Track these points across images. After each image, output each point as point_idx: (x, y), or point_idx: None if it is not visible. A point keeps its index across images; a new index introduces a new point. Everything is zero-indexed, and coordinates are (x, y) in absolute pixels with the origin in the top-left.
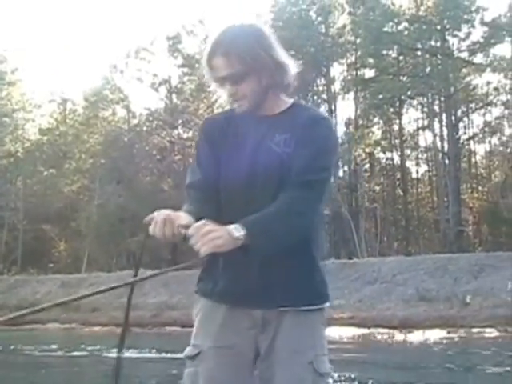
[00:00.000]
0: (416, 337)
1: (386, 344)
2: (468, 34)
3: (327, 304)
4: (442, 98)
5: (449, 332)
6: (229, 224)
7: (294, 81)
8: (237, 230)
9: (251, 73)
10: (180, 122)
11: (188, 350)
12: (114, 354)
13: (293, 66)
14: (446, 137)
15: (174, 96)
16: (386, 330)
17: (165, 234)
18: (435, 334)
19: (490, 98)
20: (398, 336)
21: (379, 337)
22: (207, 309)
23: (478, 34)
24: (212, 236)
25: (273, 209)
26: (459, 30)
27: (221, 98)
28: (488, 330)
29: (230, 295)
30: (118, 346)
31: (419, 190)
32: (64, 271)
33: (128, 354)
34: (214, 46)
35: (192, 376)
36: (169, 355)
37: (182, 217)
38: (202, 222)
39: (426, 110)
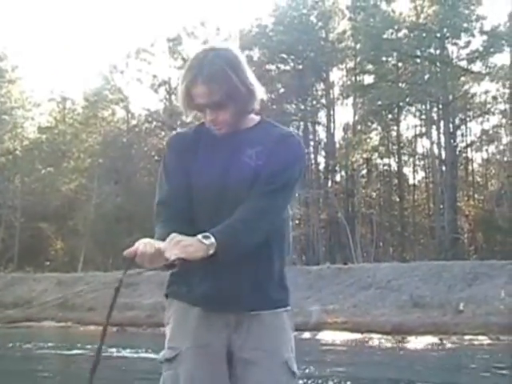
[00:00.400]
0: (409, 343)
1: (378, 349)
2: (467, 43)
3: (289, 307)
4: (440, 106)
5: (441, 339)
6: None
7: (259, 103)
8: (206, 238)
9: (229, 101)
10: (179, 123)
11: (165, 354)
12: (108, 352)
13: (260, 91)
14: (443, 144)
15: (173, 97)
16: (379, 336)
17: (154, 267)
18: (428, 341)
19: (488, 106)
20: (391, 342)
21: (372, 342)
22: (182, 311)
23: (477, 42)
24: (183, 244)
25: (239, 216)
26: (459, 38)
27: None
28: (480, 337)
29: (203, 300)
30: (98, 345)
31: (416, 196)
32: (60, 270)
33: (125, 353)
34: (193, 74)
35: (172, 378)
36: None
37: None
38: (173, 235)
39: (423, 117)
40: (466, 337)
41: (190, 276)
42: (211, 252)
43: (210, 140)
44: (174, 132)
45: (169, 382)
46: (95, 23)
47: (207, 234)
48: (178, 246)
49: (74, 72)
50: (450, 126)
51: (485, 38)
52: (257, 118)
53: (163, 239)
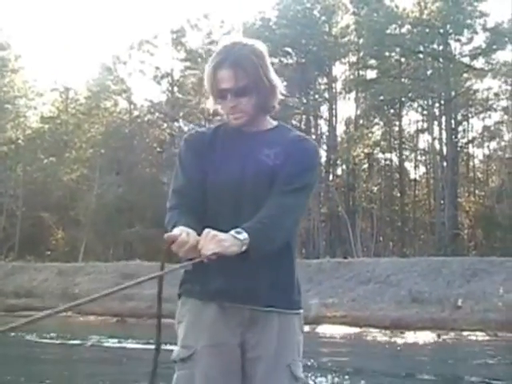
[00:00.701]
0: (407, 338)
1: (377, 343)
2: (470, 39)
3: (301, 310)
4: (442, 102)
5: (439, 334)
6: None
7: (278, 104)
8: (239, 234)
9: (253, 89)
10: (181, 114)
11: (179, 353)
12: (109, 343)
13: (280, 90)
14: (444, 140)
15: (175, 89)
16: (377, 330)
17: (187, 257)
18: (426, 336)
19: (490, 103)
20: (389, 336)
21: (370, 336)
22: (196, 310)
23: (480, 39)
24: (218, 238)
25: (266, 213)
26: (462, 34)
27: None
28: (478, 333)
29: (218, 294)
30: (155, 340)
31: (416, 191)
32: (61, 259)
33: (127, 344)
34: (221, 58)
35: (186, 378)
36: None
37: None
38: (207, 230)
39: (425, 112)
40: (464, 333)
41: (204, 272)
42: (244, 248)
43: (227, 139)
44: (192, 130)
45: (182, 381)
46: (99, 14)
47: (239, 229)
48: (213, 241)
49: (77, 62)
50: (452, 122)
51: (487, 34)
52: (274, 123)
53: (175, 225)
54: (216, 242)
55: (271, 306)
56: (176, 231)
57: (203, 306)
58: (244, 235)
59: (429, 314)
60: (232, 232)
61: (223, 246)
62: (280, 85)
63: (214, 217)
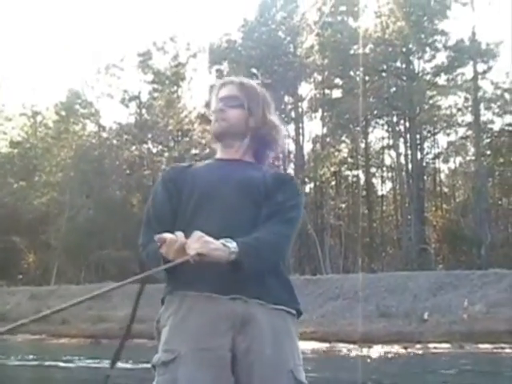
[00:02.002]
0: (375, 351)
1: (346, 357)
2: (432, 57)
3: (300, 315)
4: (407, 119)
5: (406, 347)
6: None
7: (277, 150)
8: (229, 242)
9: (246, 107)
10: (150, 136)
11: (161, 357)
12: (82, 363)
13: (281, 137)
14: (410, 156)
15: (143, 111)
16: (346, 345)
17: (175, 258)
18: (393, 349)
19: (454, 119)
20: (358, 350)
21: (339, 351)
22: (182, 311)
23: (442, 56)
24: (205, 239)
25: (260, 235)
26: (424, 52)
27: (191, 113)
28: (444, 345)
29: (206, 282)
30: (115, 353)
31: (384, 207)
32: (33, 283)
33: (102, 364)
34: (231, 80)
35: (168, 383)
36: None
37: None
38: (197, 231)
39: (390, 129)
40: (430, 345)
41: (190, 270)
42: (233, 257)
43: (205, 165)
44: (172, 165)
45: None
46: (65, 39)
47: (230, 239)
48: (199, 241)
49: (45, 87)
50: (417, 137)
51: (449, 52)
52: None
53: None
54: (202, 242)
55: (259, 298)
56: (165, 235)
57: (189, 307)
58: (233, 244)
59: (396, 327)
60: (222, 240)
61: (208, 247)
62: (281, 129)
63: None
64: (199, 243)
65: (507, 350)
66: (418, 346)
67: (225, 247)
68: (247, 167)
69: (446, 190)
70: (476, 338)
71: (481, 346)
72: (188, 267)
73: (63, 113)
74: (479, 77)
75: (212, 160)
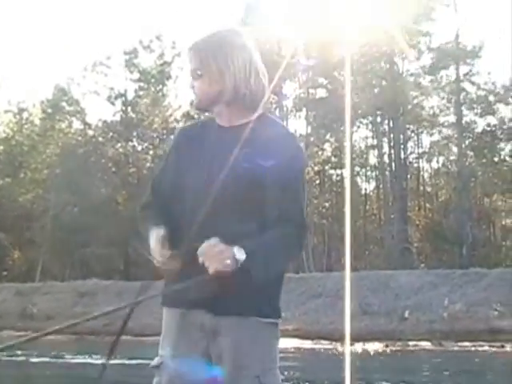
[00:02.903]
0: (357, 349)
1: (328, 355)
2: (416, 58)
3: (279, 319)
4: (391, 118)
5: (387, 345)
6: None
7: (258, 96)
8: (240, 253)
9: (204, 74)
10: (135, 134)
11: (154, 361)
12: (67, 359)
13: (258, 82)
14: (393, 155)
15: (129, 109)
16: (328, 342)
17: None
18: (375, 347)
19: (438, 119)
20: (340, 348)
21: (321, 348)
22: (168, 319)
23: (425, 58)
24: (223, 257)
25: (269, 239)
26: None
27: (177, 111)
28: (424, 343)
29: (179, 299)
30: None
31: (367, 206)
32: (18, 279)
33: (87, 360)
34: (189, 47)
35: None
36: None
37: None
38: (214, 240)
39: (374, 129)
40: (411, 343)
41: (172, 280)
42: (238, 266)
43: (204, 137)
44: (186, 124)
45: None
46: (52, 35)
47: (240, 248)
48: (216, 259)
49: (31, 83)
50: (401, 137)
51: (432, 54)
52: (254, 115)
53: (151, 227)
54: (220, 260)
55: (228, 313)
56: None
57: (171, 316)
58: (243, 256)
59: (377, 325)
60: (235, 249)
61: (226, 265)
62: (257, 77)
63: (182, 218)
64: (219, 262)
65: (486, 348)
66: (399, 343)
67: (235, 261)
68: (237, 137)
69: (429, 189)
70: (456, 337)
71: (460, 344)
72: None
73: (49, 110)
74: (462, 78)
75: (211, 127)
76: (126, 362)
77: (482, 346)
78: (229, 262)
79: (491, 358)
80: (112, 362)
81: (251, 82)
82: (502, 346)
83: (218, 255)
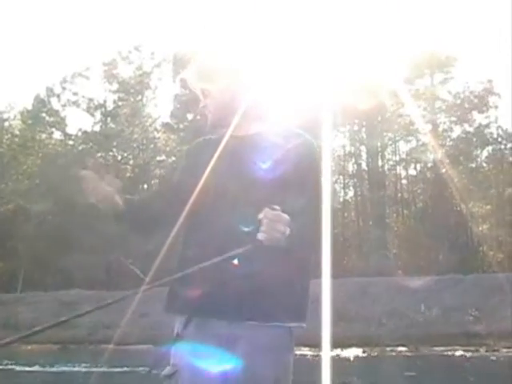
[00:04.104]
0: (335, 354)
1: (306, 360)
2: (393, 67)
3: (296, 324)
4: (368, 127)
5: (364, 350)
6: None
7: (265, 107)
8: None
9: (213, 89)
10: (115, 144)
11: (166, 370)
12: (52, 368)
13: (262, 93)
14: (371, 163)
15: (109, 120)
16: (307, 348)
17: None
18: (353, 352)
19: (415, 127)
20: (318, 354)
21: (301, 354)
22: (180, 326)
23: (402, 66)
24: (280, 229)
25: (300, 229)
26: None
27: (156, 121)
28: (400, 348)
29: (194, 307)
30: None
31: (345, 213)
32: (0, 290)
33: (70, 368)
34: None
35: None
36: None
37: None
38: (278, 209)
39: (353, 137)
40: (388, 348)
41: (185, 287)
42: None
43: (211, 149)
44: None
45: None
46: (31, 46)
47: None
48: (279, 225)
49: (10, 94)
50: (378, 145)
51: (408, 62)
52: (262, 127)
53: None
54: (276, 231)
55: (243, 320)
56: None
57: (186, 324)
58: (287, 232)
59: (355, 331)
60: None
61: (277, 238)
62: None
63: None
64: (278, 230)
65: (460, 353)
66: (377, 348)
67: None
68: (248, 146)
69: (406, 196)
70: (431, 341)
71: (436, 348)
72: (181, 284)
73: (29, 121)
74: (438, 86)
75: (218, 138)
76: (108, 370)
77: (457, 350)
78: (279, 236)
79: (466, 361)
80: (96, 370)
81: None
82: (477, 350)
83: (279, 226)
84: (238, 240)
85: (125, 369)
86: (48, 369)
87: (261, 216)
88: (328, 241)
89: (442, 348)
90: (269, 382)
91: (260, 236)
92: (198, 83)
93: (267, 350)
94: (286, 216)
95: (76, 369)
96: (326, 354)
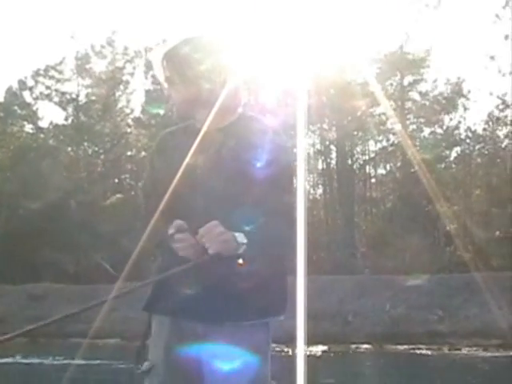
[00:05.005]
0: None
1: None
2: (364, 67)
3: (273, 317)
4: (338, 126)
5: (330, 348)
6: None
7: (235, 97)
8: (241, 237)
9: (180, 80)
10: (86, 138)
11: (144, 366)
12: (21, 360)
13: (231, 84)
14: (340, 162)
15: (81, 114)
16: (274, 345)
17: (186, 253)
18: (318, 349)
19: (385, 127)
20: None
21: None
22: (158, 325)
23: (372, 66)
24: (223, 238)
25: (265, 231)
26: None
27: (128, 116)
28: (365, 346)
29: (176, 308)
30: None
31: (314, 212)
32: None
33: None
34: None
35: None
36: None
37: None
38: (214, 223)
39: (323, 135)
40: (353, 345)
41: (166, 287)
42: (240, 251)
43: (180, 141)
44: (164, 131)
45: None
46: (2, 39)
47: (241, 234)
48: (219, 239)
49: None
50: (348, 144)
51: (379, 63)
52: (234, 115)
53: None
54: (221, 241)
55: (224, 319)
56: (179, 222)
57: (163, 320)
58: (244, 240)
59: (321, 329)
60: (236, 234)
61: (227, 247)
62: (227, 78)
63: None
64: (219, 243)
65: (424, 351)
66: (342, 346)
67: (235, 241)
68: (216, 138)
69: (375, 195)
70: (396, 339)
71: (400, 346)
72: (157, 289)
73: (1, 114)
74: (408, 87)
75: (190, 130)
76: (82, 362)
77: (421, 348)
78: (227, 245)
79: (428, 359)
80: (69, 362)
81: (226, 83)
82: (439, 349)
83: (219, 236)
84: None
85: (98, 362)
86: (21, 360)
87: (200, 232)
88: (302, 239)
89: (405, 346)
90: (248, 376)
91: (210, 251)
92: (168, 69)
93: (244, 346)
94: (224, 230)
95: (48, 361)
96: (301, 351)
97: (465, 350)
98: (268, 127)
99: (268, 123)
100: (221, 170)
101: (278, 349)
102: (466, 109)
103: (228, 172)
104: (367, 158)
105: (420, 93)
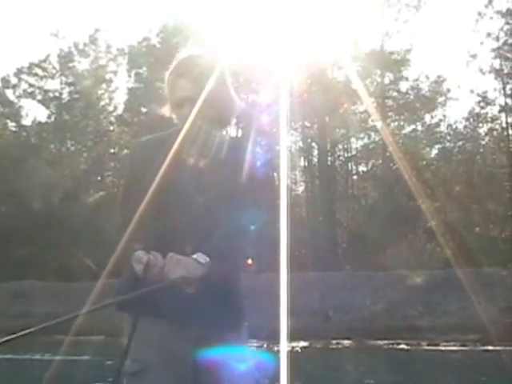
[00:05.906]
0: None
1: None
2: (345, 64)
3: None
4: (320, 123)
5: (311, 343)
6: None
7: (231, 116)
8: (201, 258)
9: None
10: (69, 136)
11: (129, 367)
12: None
13: (236, 103)
14: (322, 159)
15: (64, 112)
16: (255, 341)
17: (153, 278)
18: (299, 345)
19: (367, 124)
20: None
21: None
22: (146, 323)
23: (354, 64)
24: (184, 262)
25: (226, 242)
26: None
27: (111, 114)
28: (346, 341)
29: (168, 313)
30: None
31: (296, 208)
32: None
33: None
34: (182, 68)
35: None
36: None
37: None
38: (171, 254)
39: (304, 133)
40: (333, 341)
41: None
42: (205, 271)
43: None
44: (142, 138)
45: None
46: None
47: (200, 254)
48: (180, 265)
49: None
50: (330, 140)
51: (360, 61)
52: (231, 135)
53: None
54: (182, 266)
55: (215, 325)
56: (141, 255)
57: (150, 323)
58: (206, 259)
59: (302, 324)
60: (194, 256)
61: (189, 269)
62: (235, 97)
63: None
64: (181, 267)
65: (402, 346)
66: (322, 341)
67: (199, 264)
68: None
69: (356, 192)
70: (376, 335)
71: (380, 342)
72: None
73: None
74: (389, 85)
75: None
76: (61, 358)
77: (400, 343)
78: (190, 268)
79: (408, 354)
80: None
81: (234, 102)
82: (419, 344)
83: (179, 262)
84: (195, 238)
85: (81, 358)
86: (2, 355)
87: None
88: (285, 236)
89: (385, 341)
90: (236, 373)
91: (172, 276)
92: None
93: (240, 347)
94: (181, 257)
95: (33, 357)
96: (284, 346)
97: (443, 345)
98: (246, 142)
99: (246, 138)
100: (216, 172)
101: (257, 345)
102: (445, 106)
103: (224, 173)
104: (349, 155)
105: (399, 91)
